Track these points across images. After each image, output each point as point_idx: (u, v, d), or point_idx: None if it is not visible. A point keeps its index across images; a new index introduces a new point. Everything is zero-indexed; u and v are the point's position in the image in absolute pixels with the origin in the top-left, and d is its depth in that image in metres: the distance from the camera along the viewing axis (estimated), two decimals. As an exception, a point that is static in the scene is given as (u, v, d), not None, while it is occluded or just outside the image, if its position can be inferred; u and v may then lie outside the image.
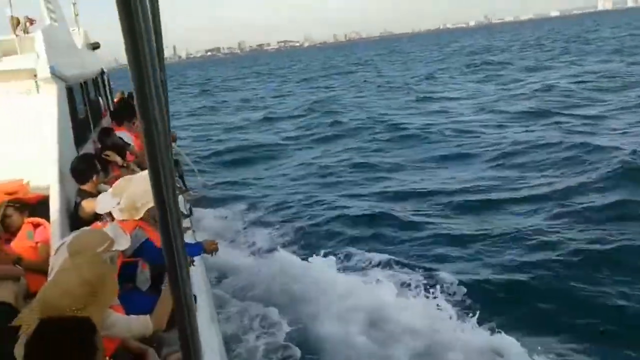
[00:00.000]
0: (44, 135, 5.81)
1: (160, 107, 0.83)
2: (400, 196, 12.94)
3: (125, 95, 12.15)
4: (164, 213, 0.90)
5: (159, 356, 3.49)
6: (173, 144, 8.65)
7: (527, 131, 18.48)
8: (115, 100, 11.98)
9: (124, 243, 3.77)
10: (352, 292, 7.86)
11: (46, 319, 2.15)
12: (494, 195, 12.06)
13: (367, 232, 10.71)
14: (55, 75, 6.12)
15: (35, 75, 6.07)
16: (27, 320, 2.69)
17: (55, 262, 3.75)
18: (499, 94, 29.11)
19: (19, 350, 2.60)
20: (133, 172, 6.62)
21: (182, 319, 1.00)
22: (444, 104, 27.51)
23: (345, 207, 12.28)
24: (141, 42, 0.74)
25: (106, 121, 9.57)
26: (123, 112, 9.26)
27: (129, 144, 8.35)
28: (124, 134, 8.27)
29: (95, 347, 2.13)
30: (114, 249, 3.57)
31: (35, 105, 6.09)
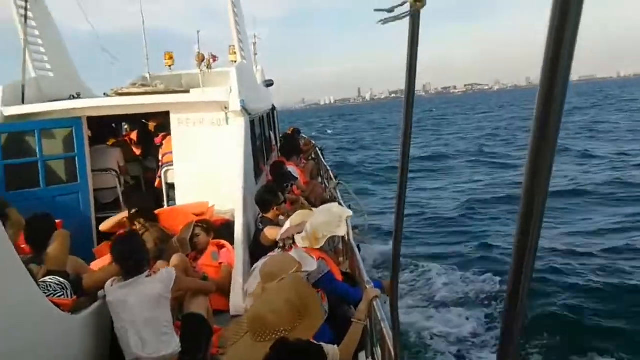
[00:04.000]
0: (231, 164, 6.41)
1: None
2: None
3: (296, 132, 12.87)
4: (523, 244, 0.91)
5: None
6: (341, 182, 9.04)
7: None
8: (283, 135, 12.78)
9: (311, 264, 4.02)
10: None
11: (283, 340, 2.34)
12: None
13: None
14: (244, 108, 6.76)
15: (227, 108, 6.76)
16: (235, 332, 2.96)
17: (250, 285, 4.12)
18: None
19: (232, 352, 2.87)
20: (302, 205, 7.04)
21: (511, 339, 0.99)
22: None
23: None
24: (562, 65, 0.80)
25: (274, 155, 10.28)
26: (292, 148, 9.89)
27: (296, 178, 8.87)
28: (292, 169, 8.81)
29: None
30: (303, 270, 3.83)
31: (224, 136, 6.76)
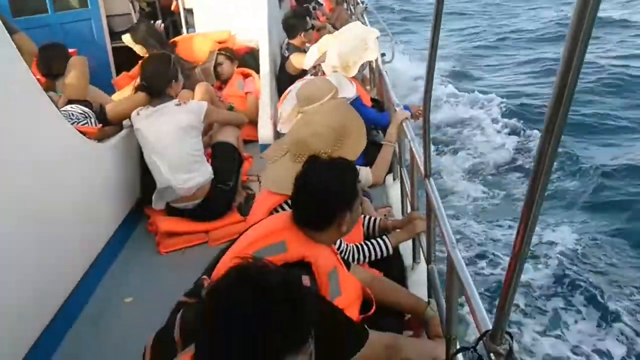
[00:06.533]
0: None
1: None
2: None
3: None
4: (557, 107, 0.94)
5: None
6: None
7: None
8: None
9: (350, 91, 3.90)
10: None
11: (315, 157, 2.30)
12: None
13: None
14: None
15: None
16: (276, 151, 2.93)
17: (284, 109, 4.02)
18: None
19: (271, 170, 2.85)
20: (328, 32, 6.73)
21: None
22: None
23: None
24: None
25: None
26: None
27: (321, 4, 8.44)
28: (316, -6, 8.37)
29: (357, 190, 2.25)
30: (341, 96, 3.71)
31: None
